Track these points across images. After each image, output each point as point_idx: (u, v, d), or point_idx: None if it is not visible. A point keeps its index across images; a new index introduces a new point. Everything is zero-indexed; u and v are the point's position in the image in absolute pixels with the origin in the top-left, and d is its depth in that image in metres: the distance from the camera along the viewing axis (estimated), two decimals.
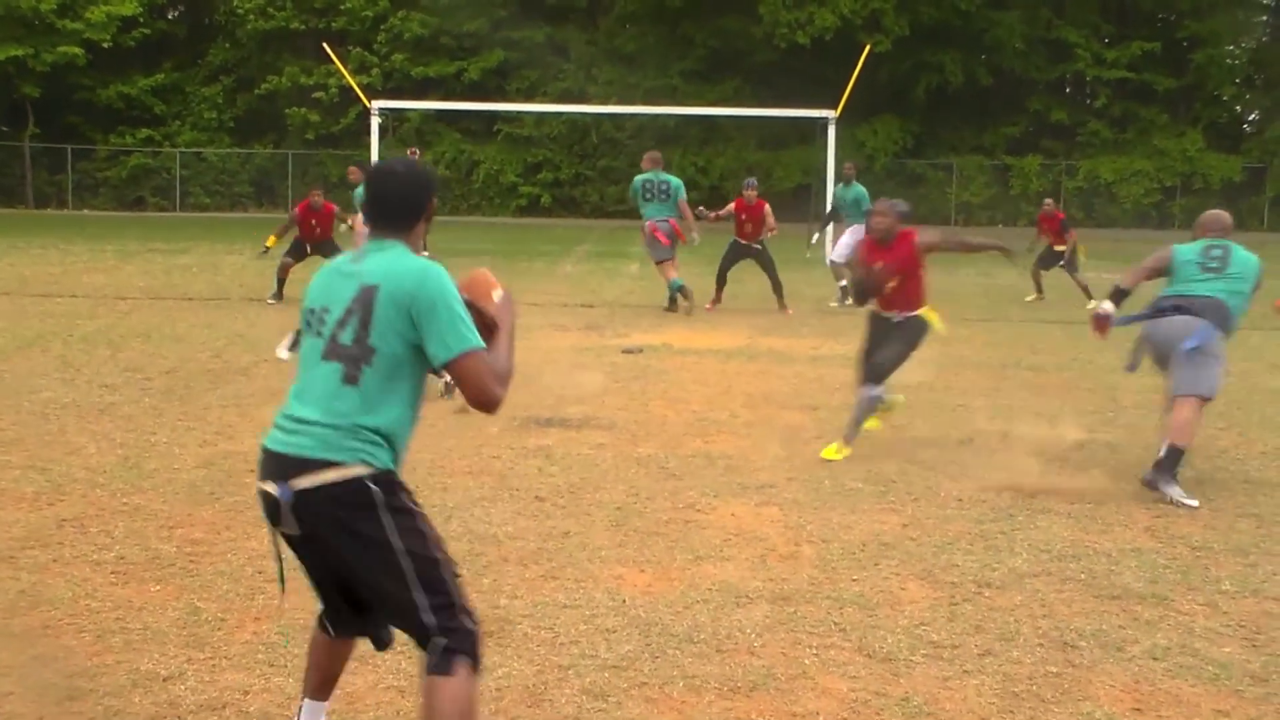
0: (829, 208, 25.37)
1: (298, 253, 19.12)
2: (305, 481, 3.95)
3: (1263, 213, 48.83)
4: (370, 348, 4.00)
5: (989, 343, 15.81)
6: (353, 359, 4.01)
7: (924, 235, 9.71)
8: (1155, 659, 5.59)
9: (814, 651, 5.56)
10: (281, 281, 18.73)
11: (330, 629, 4.46)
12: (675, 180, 19.28)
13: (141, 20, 50.83)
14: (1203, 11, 50.11)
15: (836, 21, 47.19)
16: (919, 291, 9.68)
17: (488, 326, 4.18)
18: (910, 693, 5.17)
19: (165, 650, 5.44)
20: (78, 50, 48.44)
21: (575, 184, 50.50)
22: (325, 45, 34.10)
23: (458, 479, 8.43)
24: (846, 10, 47.45)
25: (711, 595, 6.19)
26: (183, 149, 50.58)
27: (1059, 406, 11.63)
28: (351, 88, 33.48)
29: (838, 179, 25.08)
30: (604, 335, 15.84)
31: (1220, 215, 9.48)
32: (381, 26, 50.78)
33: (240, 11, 50.80)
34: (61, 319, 15.88)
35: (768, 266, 19.37)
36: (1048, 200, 23.97)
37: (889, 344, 9.65)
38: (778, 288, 19.30)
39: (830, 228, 24.70)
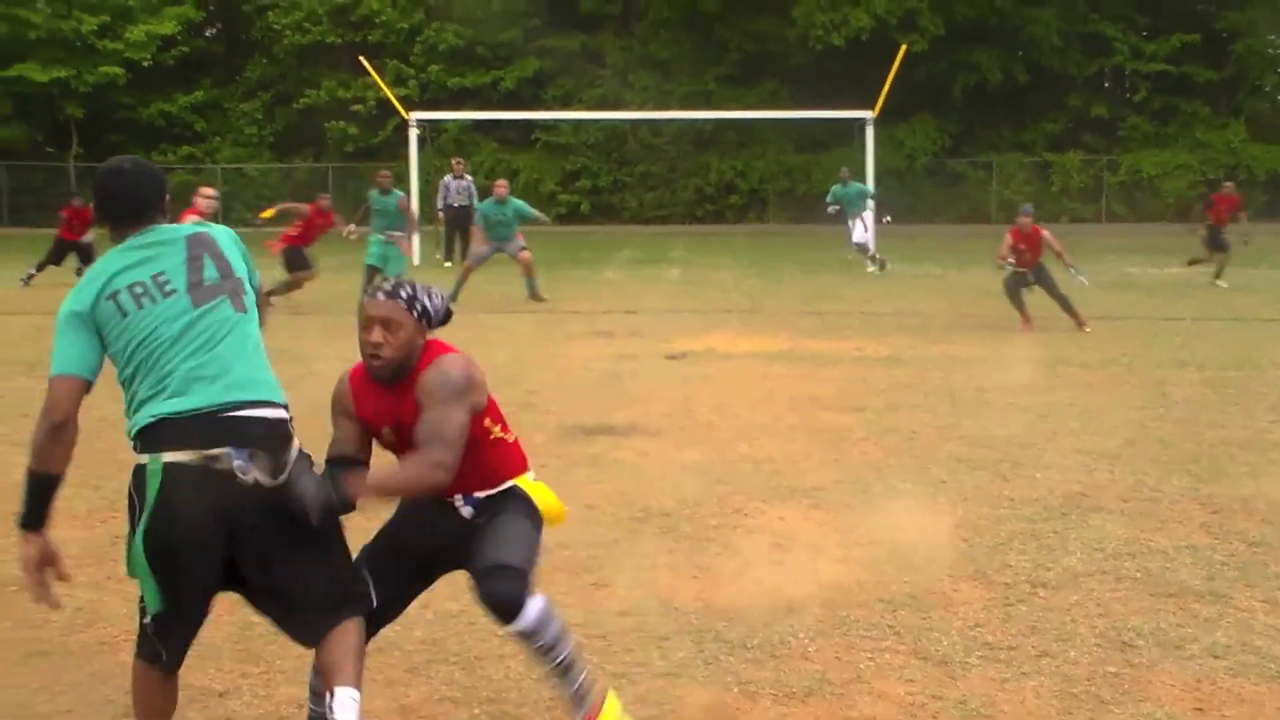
0: (830, 207, 26.93)
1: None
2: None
3: None
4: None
5: (1036, 340, 15.71)
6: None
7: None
8: (1216, 657, 5.52)
9: (868, 655, 5.52)
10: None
11: (169, 660, 4.23)
12: None
13: (180, 39, 51.10)
14: (1241, 1, 49.64)
15: (871, 22, 46.93)
16: None
17: None
18: (967, 695, 5.12)
19: (220, 665, 5.45)
20: (118, 70, 48.69)
21: (614, 191, 50.41)
22: (361, 58, 34.27)
23: None
24: (881, 10, 47.17)
25: (763, 600, 6.15)
26: (224, 165, 50.73)
27: (1108, 403, 11.54)
28: (389, 100, 33.59)
29: (837, 180, 26.63)
30: (647, 341, 15.81)
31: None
32: (417, 39, 50.79)
33: (277, 27, 50.93)
34: None
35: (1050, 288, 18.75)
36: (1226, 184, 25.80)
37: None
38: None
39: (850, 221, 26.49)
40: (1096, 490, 8.36)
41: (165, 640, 4.17)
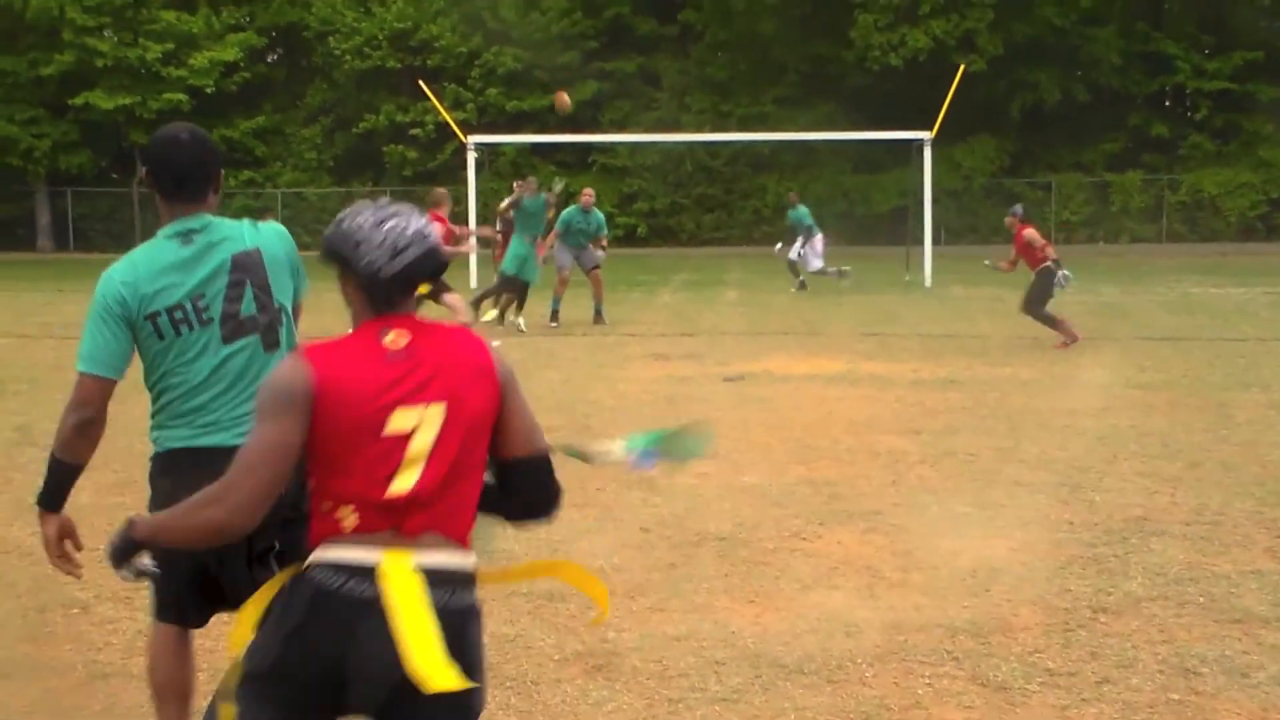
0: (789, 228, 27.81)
1: None
2: None
3: None
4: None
5: (1095, 362, 15.55)
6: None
7: None
8: None
9: (927, 681, 5.45)
10: None
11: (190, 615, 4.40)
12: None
13: (242, 65, 51.49)
14: None
15: (929, 42, 46.76)
16: None
17: None
18: None
19: None
20: (182, 97, 49.05)
21: (671, 213, 50.39)
22: (421, 82, 34.41)
23: (563, 511, 8.36)
24: (939, 31, 46.99)
25: (820, 625, 6.09)
26: (284, 189, 51.14)
27: (1169, 425, 11.40)
28: (448, 124, 33.69)
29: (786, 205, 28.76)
30: (704, 364, 15.77)
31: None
32: (475, 62, 51.00)
33: (337, 52, 51.24)
34: None
35: None
36: None
37: None
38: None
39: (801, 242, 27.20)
40: (1158, 514, 8.25)
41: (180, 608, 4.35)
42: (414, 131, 50.03)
